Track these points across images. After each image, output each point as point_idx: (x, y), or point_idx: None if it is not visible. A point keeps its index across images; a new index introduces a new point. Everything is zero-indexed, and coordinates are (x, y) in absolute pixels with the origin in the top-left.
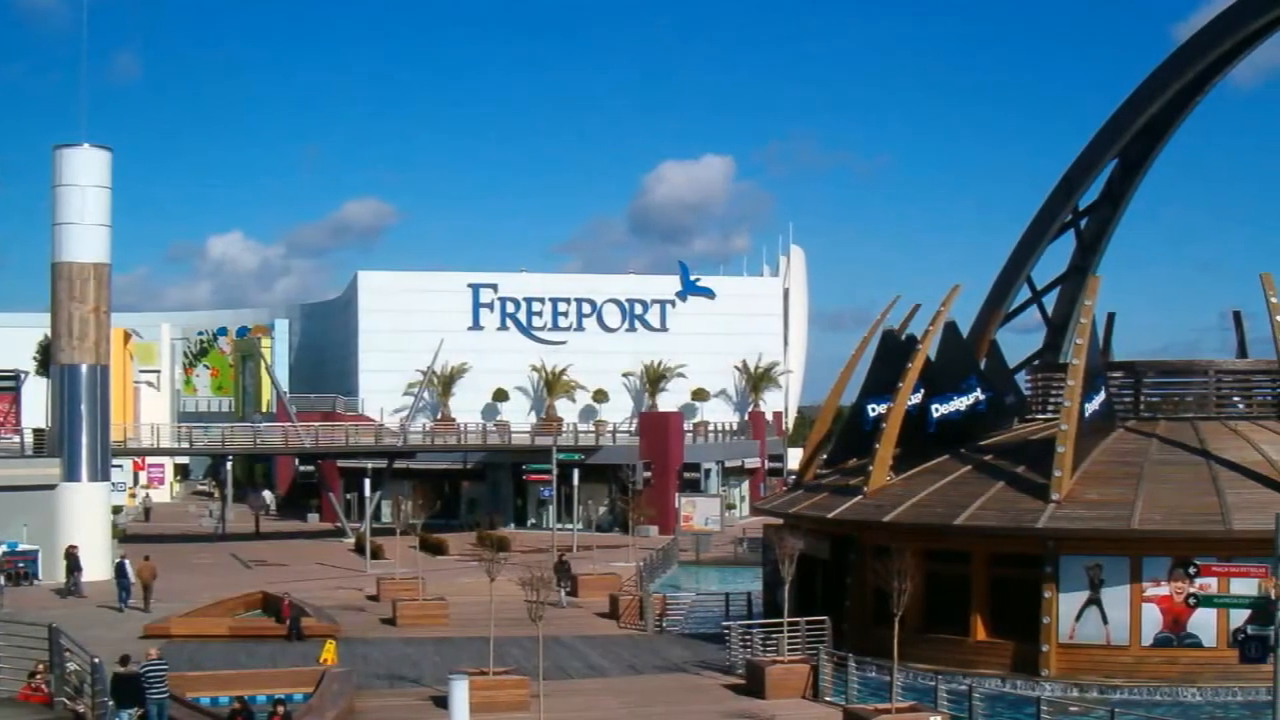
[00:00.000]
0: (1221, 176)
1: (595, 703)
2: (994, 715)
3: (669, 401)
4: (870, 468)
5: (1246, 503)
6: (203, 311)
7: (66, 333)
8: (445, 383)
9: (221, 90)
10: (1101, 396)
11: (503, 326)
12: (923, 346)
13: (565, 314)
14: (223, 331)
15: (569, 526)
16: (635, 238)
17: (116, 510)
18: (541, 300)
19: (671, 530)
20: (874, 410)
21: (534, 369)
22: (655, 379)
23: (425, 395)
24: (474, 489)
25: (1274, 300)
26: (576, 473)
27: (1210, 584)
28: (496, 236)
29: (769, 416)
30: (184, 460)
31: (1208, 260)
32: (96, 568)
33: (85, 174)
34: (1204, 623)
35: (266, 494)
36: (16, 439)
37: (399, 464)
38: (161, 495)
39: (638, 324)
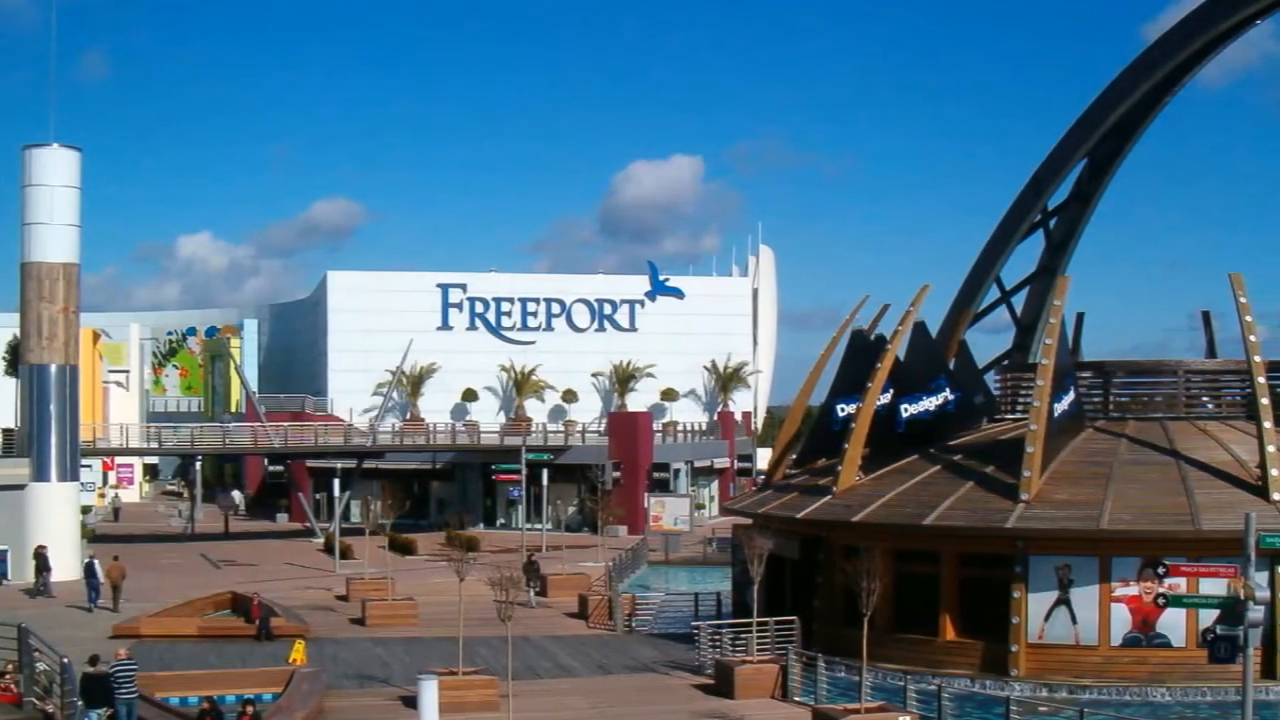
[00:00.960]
0: (1190, 176)
1: (564, 703)
2: (963, 715)
3: (638, 401)
4: (839, 468)
5: (1215, 503)
6: (172, 311)
7: (35, 332)
8: (414, 383)
9: (190, 90)
10: (1070, 396)
11: (472, 326)
12: (892, 346)
13: (534, 314)
14: (192, 331)
15: (538, 526)
16: (605, 238)
17: (85, 510)
18: (510, 300)
19: (641, 530)
20: (843, 410)
21: (503, 369)
22: (624, 379)
23: (394, 395)
24: (443, 489)
25: (1243, 300)
26: (545, 473)
27: (1179, 584)
28: (466, 236)
29: (738, 416)
30: (153, 460)
31: (1176, 260)
32: (65, 568)
33: (54, 174)
34: (1173, 623)
35: (235, 494)
36: None
37: (368, 464)
38: (131, 495)
39: (607, 324)
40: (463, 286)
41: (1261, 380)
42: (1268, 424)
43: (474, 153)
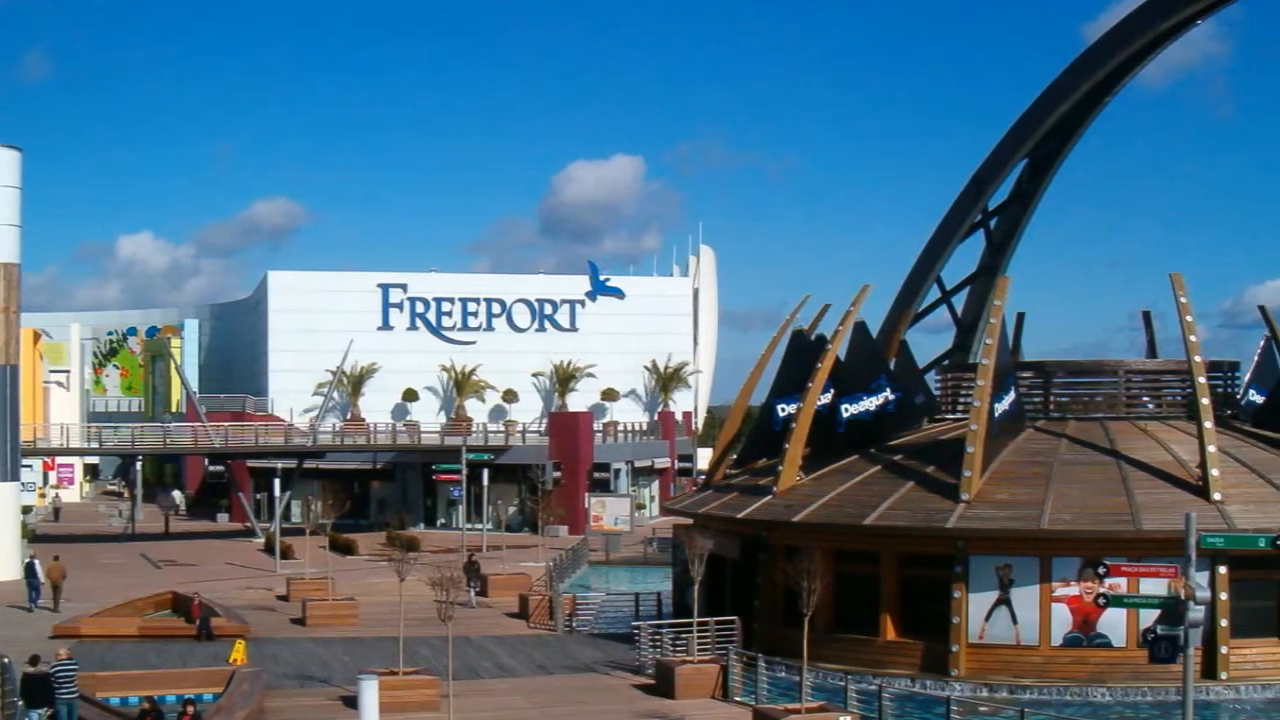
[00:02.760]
0: (1131, 176)
1: (505, 703)
2: (904, 715)
3: (578, 401)
4: (780, 468)
5: (1156, 503)
6: (112, 311)
7: None
8: (355, 383)
9: (131, 90)
10: (1011, 396)
11: (412, 326)
12: (832, 346)
13: (475, 314)
14: (132, 331)
15: (478, 526)
16: (545, 238)
17: (26, 510)
18: (451, 300)
19: (581, 530)
20: (783, 410)
21: (444, 369)
22: (565, 379)
23: (335, 395)
24: (384, 489)
25: (1184, 300)
26: (486, 473)
27: (1120, 584)
28: (406, 236)
29: (678, 416)
30: (94, 460)
31: (1117, 260)
32: (6, 568)
33: None
34: (1113, 623)
35: (176, 494)
36: None
37: (309, 464)
38: (71, 495)
39: (547, 324)
40: (403, 286)
41: (1202, 380)
42: (1208, 424)
43: (415, 153)
